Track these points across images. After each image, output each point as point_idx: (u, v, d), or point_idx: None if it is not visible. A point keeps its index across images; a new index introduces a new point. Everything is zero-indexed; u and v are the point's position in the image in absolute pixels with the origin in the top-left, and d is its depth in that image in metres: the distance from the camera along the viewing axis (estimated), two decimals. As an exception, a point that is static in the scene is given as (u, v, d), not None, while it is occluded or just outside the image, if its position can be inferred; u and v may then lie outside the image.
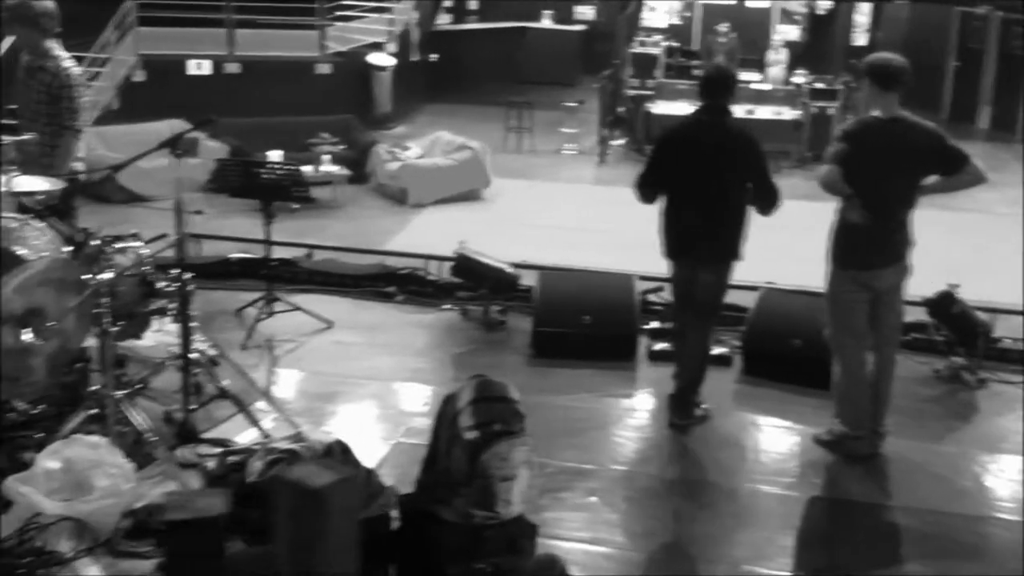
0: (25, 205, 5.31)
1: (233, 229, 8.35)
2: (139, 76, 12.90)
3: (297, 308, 6.84)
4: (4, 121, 7.65)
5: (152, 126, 11.21)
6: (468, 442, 3.91)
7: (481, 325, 6.98)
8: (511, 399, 4.12)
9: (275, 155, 10.20)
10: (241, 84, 13.17)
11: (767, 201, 5.36)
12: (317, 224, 9.52)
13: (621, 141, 13.60)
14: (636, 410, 5.93)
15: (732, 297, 5.92)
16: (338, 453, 4.33)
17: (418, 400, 5.87)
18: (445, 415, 4.11)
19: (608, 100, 13.63)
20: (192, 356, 4.95)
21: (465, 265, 7.15)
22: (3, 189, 5.11)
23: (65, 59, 5.94)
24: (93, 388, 4.80)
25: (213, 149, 10.70)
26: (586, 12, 18.84)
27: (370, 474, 4.43)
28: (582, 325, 6.42)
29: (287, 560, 3.64)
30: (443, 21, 17.89)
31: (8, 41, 11.94)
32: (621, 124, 13.78)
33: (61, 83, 5.83)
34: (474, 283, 7.18)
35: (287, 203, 7.39)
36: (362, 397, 5.90)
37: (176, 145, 4.86)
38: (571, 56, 17.97)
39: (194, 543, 3.71)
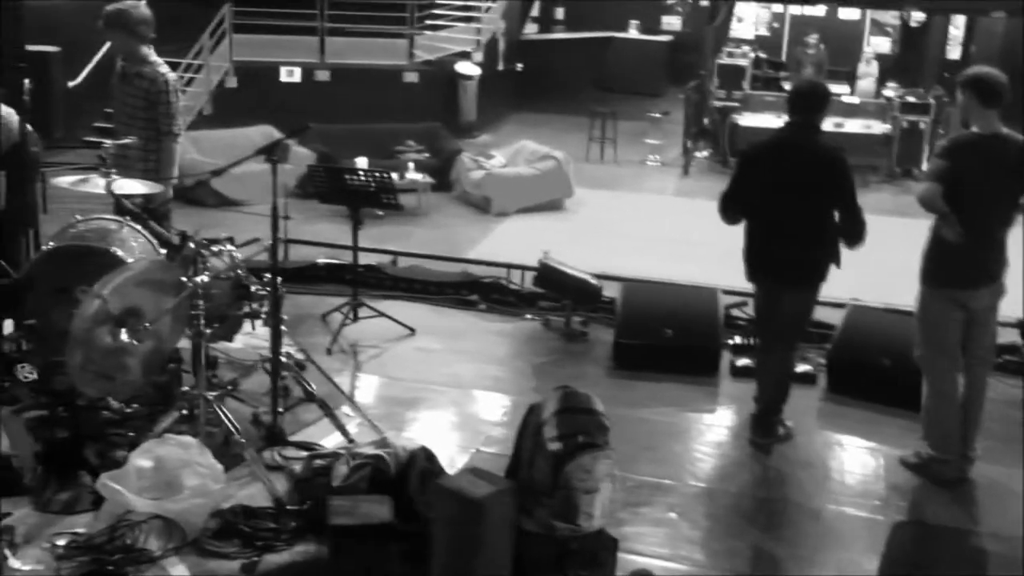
0: (123, 207, 5.46)
1: (318, 234, 8.49)
2: (232, 82, 13.20)
3: (381, 314, 6.91)
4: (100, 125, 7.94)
5: (243, 131, 11.49)
6: (552, 453, 3.91)
7: (562, 335, 6.98)
8: (596, 411, 4.11)
9: (361, 162, 10.36)
10: (330, 91, 13.40)
11: (853, 232, 5.22)
12: (401, 231, 9.62)
13: (705, 153, 13.52)
14: (717, 426, 5.88)
15: (817, 313, 5.83)
16: (422, 460, 4.37)
17: (498, 409, 5.89)
18: (529, 425, 4.12)
19: (693, 111, 13.56)
20: (281, 360, 5.03)
21: (548, 275, 7.16)
22: (103, 191, 5.25)
23: (161, 65, 6.09)
24: (185, 389, 4.91)
25: (302, 155, 10.89)
26: (673, 22, 18.77)
27: (452, 482, 4.47)
28: (664, 338, 6.38)
29: (445, 568, 3.67)
30: (530, 31, 17.97)
31: (106, 46, 12.34)
32: (706, 136, 13.70)
33: (158, 89, 5.97)
34: (557, 293, 7.19)
35: (374, 210, 7.47)
36: (442, 404, 5.93)
37: (273, 152, 4.95)
38: (657, 66, 17.92)
39: (361, 549, 3.75)
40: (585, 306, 7.10)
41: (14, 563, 3.91)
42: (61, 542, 4.02)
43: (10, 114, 6.28)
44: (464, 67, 14.32)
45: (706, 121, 13.76)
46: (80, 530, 4.10)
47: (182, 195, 8.87)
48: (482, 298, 7.53)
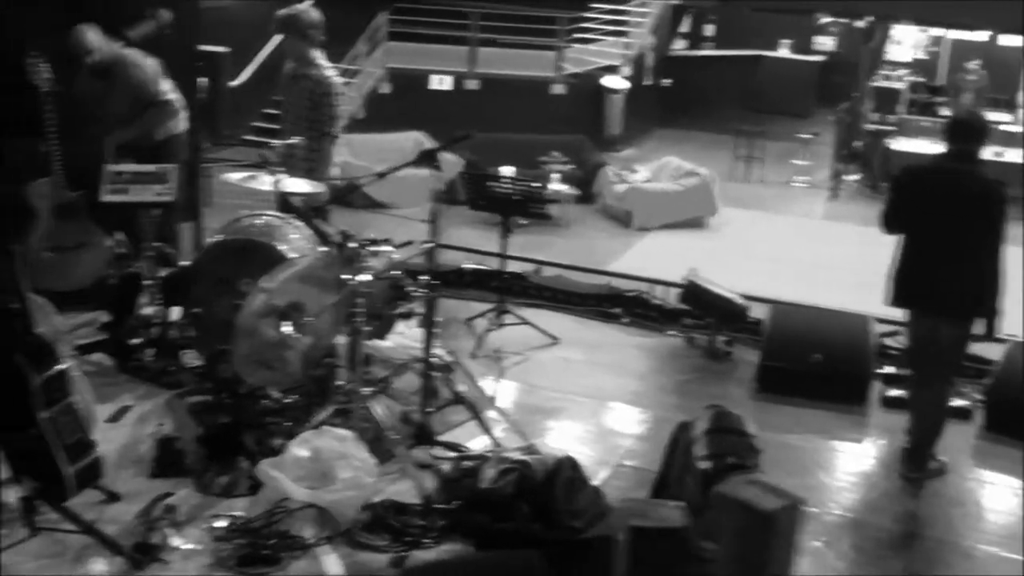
0: (288, 205, 5.65)
1: (461, 239, 8.61)
2: (385, 88, 13.52)
3: (525, 322, 6.97)
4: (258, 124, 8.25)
5: (394, 137, 11.75)
6: (701, 472, 3.89)
7: (706, 354, 6.92)
8: (747, 433, 4.08)
9: (507, 171, 10.47)
10: (479, 100, 13.59)
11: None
12: (543, 240, 9.68)
13: (856, 177, 13.21)
14: (866, 457, 5.73)
15: (975, 348, 5.64)
16: (568, 468, 4.39)
17: (638, 424, 5.87)
18: (679, 442, 4.11)
19: (845, 134, 13.28)
20: (432, 361, 5.12)
21: (694, 292, 7.12)
22: (270, 189, 5.44)
23: (328, 68, 6.27)
24: (340, 383, 5.05)
25: (450, 162, 11.07)
26: (826, 43, 18.41)
27: (597, 493, 4.48)
28: (812, 363, 6.26)
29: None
30: (678, 47, 17.88)
31: (268, 48, 12.79)
32: (857, 159, 13.40)
33: (324, 91, 6.16)
34: (702, 311, 7.14)
35: (518, 218, 7.54)
36: (582, 415, 5.94)
37: (434, 158, 5.05)
38: (807, 87, 17.62)
39: (659, 552, 3.69)
40: (730, 325, 7.03)
41: (175, 540, 4.08)
42: (220, 524, 4.17)
43: (150, 65, 6.55)
44: (611, 81, 14.34)
45: (857, 144, 13.45)
46: (238, 513, 4.25)
47: (334, 196, 9.13)
48: (625, 312, 7.52)
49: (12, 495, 4.03)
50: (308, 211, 5.48)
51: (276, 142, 5.79)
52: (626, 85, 14.38)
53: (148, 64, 6.44)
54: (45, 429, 3.80)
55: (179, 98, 6.54)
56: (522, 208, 7.13)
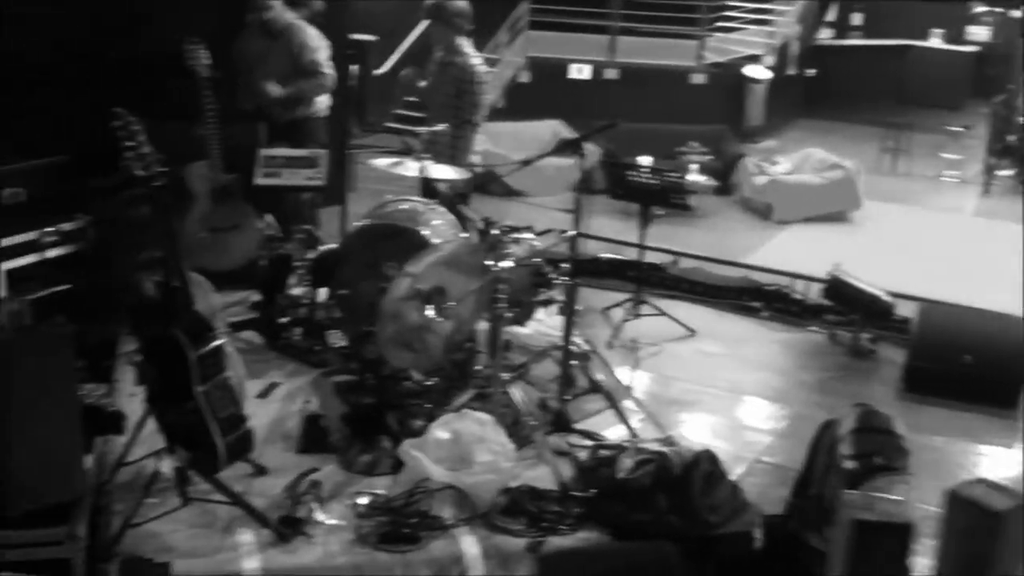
0: (432, 190, 5.73)
1: (597, 229, 8.55)
2: (524, 77, 13.55)
3: (663, 313, 6.93)
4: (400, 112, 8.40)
5: (533, 125, 11.77)
6: (846, 471, 3.81)
7: (849, 351, 6.76)
8: (895, 433, 3.97)
9: (645, 160, 10.39)
10: (618, 90, 13.50)
11: None
12: (680, 232, 9.56)
13: (1009, 172, 12.65)
14: (1015, 462, 5.51)
15: None
16: (706, 462, 4.36)
17: (777, 420, 5.77)
18: (824, 440, 4.03)
19: (999, 127, 12.72)
20: (571, 349, 5.14)
21: (838, 288, 6.95)
22: (416, 176, 5.54)
23: (474, 57, 6.34)
24: (479, 368, 5.11)
25: (588, 151, 11.04)
26: (980, 33, 17.68)
27: (735, 488, 4.43)
28: (963, 364, 6.05)
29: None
30: (824, 36, 17.41)
31: (412, 37, 12.99)
32: (1011, 154, 12.82)
33: (469, 79, 6.23)
34: (845, 307, 6.96)
35: (657, 208, 7.49)
36: (718, 409, 5.87)
37: (579, 147, 5.06)
38: (959, 78, 16.92)
39: (885, 546, 3.57)
40: (875, 323, 6.84)
41: (320, 516, 4.20)
42: (362, 501, 4.27)
43: (317, 36, 6.72)
44: (753, 70, 14.06)
45: (1011, 138, 12.87)
46: (380, 491, 4.35)
47: (476, 183, 9.24)
48: (765, 306, 7.40)
49: (167, 465, 4.21)
50: (452, 197, 5.55)
51: (421, 129, 5.88)
52: (769, 75, 14.07)
53: (315, 34, 6.65)
54: (200, 403, 3.95)
55: (333, 77, 6.71)
56: (663, 198, 7.08)
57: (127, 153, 3.82)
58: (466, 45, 6.36)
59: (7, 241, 4.80)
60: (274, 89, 6.44)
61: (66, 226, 5.07)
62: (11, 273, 4.61)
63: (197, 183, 6.05)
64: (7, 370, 3.57)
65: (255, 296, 6.13)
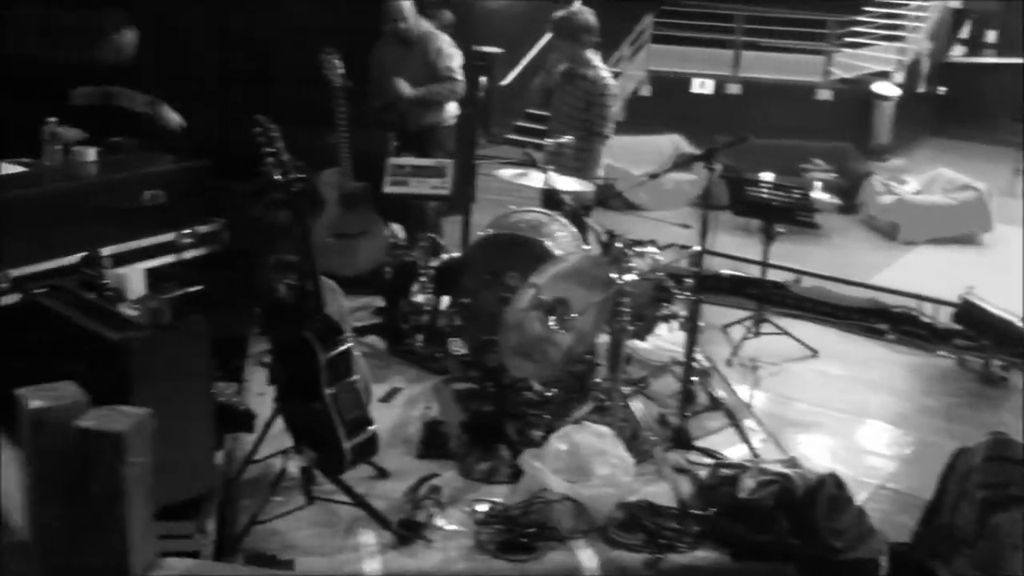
0: (556, 202, 5.75)
1: (716, 245, 8.45)
2: (646, 91, 13.52)
3: (784, 332, 6.81)
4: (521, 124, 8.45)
5: (652, 139, 11.74)
6: (979, 501, 3.69)
7: (979, 378, 6.54)
8: (1032, 464, 3.83)
9: (767, 177, 10.24)
10: (740, 105, 13.38)
11: None
12: (802, 250, 9.40)
13: None
14: None
15: None
16: (831, 486, 4.27)
17: (902, 446, 5.61)
18: (956, 468, 3.91)
19: None
20: (693, 365, 5.09)
21: (970, 312, 6.74)
22: (541, 186, 5.56)
23: (604, 70, 6.34)
24: (599, 381, 5.10)
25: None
26: (1123, 51, 16.95)
27: (861, 514, 4.33)
28: (1101, 396, 5.81)
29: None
30: (956, 53, 16.94)
31: (535, 50, 13.07)
32: None
33: (599, 91, 6.23)
34: (977, 332, 6.75)
35: (781, 226, 7.37)
36: (841, 432, 5.74)
37: (708, 160, 5.01)
38: (1099, 99, 16.28)
39: None
40: (1008, 349, 6.60)
41: (439, 521, 4.24)
42: (481, 508, 4.30)
43: (450, 43, 6.82)
44: (881, 87, 13.77)
45: None
46: (498, 500, 4.37)
47: (601, 196, 9.23)
48: (891, 328, 7.21)
49: (293, 464, 4.31)
50: (577, 210, 5.55)
51: (549, 141, 5.90)
52: (898, 92, 13.77)
53: (449, 42, 6.76)
54: (328, 404, 4.03)
55: (464, 85, 6.81)
56: (789, 215, 6.96)
57: (266, 158, 3.93)
58: (595, 58, 6.36)
59: (147, 241, 4.99)
60: (406, 88, 6.56)
61: (202, 228, 5.24)
62: (151, 272, 4.78)
63: (327, 189, 6.18)
64: (147, 366, 3.70)
65: (379, 302, 6.23)
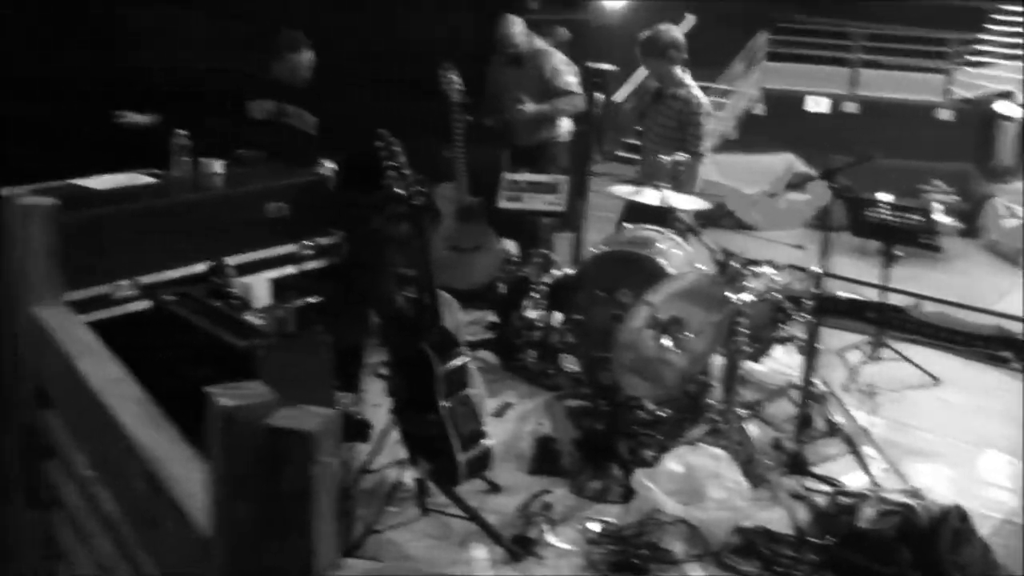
0: (668, 220, 5.70)
1: (832, 267, 8.29)
2: (758, 109, 13.35)
3: (904, 358, 6.63)
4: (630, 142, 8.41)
5: (765, 158, 11.57)
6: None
7: (1109, 411, 6.26)
8: None
9: (884, 198, 10.00)
10: (857, 124, 13.11)
11: None
12: (922, 274, 9.16)
13: None
14: None
15: None
16: (956, 519, 4.13)
17: (1029, 479, 5.41)
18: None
19: None
20: (810, 389, 4.99)
21: (1101, 343, 6.47)
22: (657, 204, 5.52)
23: (694, 88, 6.26)
24: (713, 402, 5.03)
25: (821, 187, 10.74)
26: None
27: (986, 548, 4.18)
28: None
29: None
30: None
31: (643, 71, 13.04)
32: None
33: (692, 110, 6.15)
34: (1108, 364, 6.47)
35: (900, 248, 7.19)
36: (962, 463, 5.54)
37: (831, 178, 4.91)
38: None
39: None
40: None
41: (551, 538, 4.23)
42: (593, 527, 4.27)
43: (563, 59, 6.83)
44: (1005, 107, 13.33)
45: None
46: (610, 519, 4.34)
47: (702, 214, 9.16)
48: (1017, 356, 6.95)
49: (408, 476, 4.35)
50: (692, 228, 5.50)
51: (665, 158, 5.86)
52: (1021, 113, 13.32)
53: (563, 59, 6.79)
54: (444, 417, 4.06)
55: (583, 98, 6.82)
56: (911, 238, 6.78)
57: (388, 172, 3.99)
58: (686, 76, 6.29)
59: (271, 252, 5.09)
60: (529, 106, 6.59)
61: (323, 240, 5.33)
62: (275, 282, 4.89)
63: (443, 203, 6.25)
64: (272, 373, 3.77)
65: (491, 316, 6.26)
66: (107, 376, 2.16)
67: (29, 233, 2.60)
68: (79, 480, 2.38)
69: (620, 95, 13.04)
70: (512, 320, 5.99)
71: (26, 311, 2.60)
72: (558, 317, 5.92)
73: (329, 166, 5.46)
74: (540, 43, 6.86)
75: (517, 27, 6.65)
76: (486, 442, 4.23)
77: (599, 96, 6.53)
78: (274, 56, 5.79)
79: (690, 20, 13.95)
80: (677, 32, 6.33)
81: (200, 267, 4.70)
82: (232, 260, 4.82)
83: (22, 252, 2.61)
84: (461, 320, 4.61)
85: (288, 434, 1.46)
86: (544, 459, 4.81)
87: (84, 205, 4.51)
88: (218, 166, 5.24)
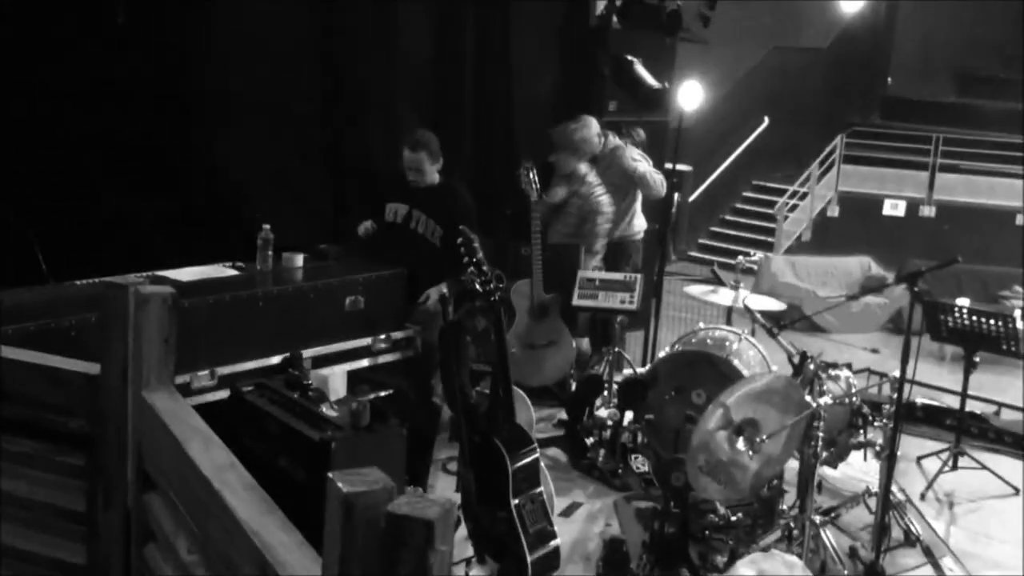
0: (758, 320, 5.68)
1: (909, 372, 8.15)
2: (834, 211, 13.33)
3: (984, 467, 6.46)
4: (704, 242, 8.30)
5: (841, 260, 11.49)
6: None
7: None
8: None
9: (962, 302, 9.84)
10: (934, 228, 13.02)
11: None
12: (1002, 380, 8.95)
13: None
14: None
15: None
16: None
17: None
18: None
19: None
20: (888, 497, 4.87)
21: None
22: (733, 304, 5.51)
23: (596, 186, 6.34)
24: (787, 507, 4.93)
25: (896, 291, 10.63)
26: None
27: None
28: None
29: None
30: None
31: (723, 166, 13.08)
32: None
33: (590, 207, 6.25)
34: None
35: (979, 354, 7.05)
36: (1051, 578, 5.36)
37: (914, 282, 4.86)
38: None
39: None
40: None
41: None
42: (662, 631, 4.20)
43: (637, 153, 6.94)
44: (1087, 214, 13.15)
45: None
46: (679, 624, 4.26)
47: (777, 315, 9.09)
48: (1104, 468, 6.74)
49: (475, 572, 4.31)
50: (771, 329, 5.47)
51: (743, 259, 5.86)
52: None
53: (638, 152, 6.94)
54: (514, 514, 4.04)
55: (663, 182, 6.90)
56: (995, 344, 6.65)
57: (468, 267, 4.05)
58: (590, 174, 6.36)
59: (347, 345, 5.18)
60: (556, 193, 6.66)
61: (397, 334, 5.40)
62: (350, 374, 4.95)
63: (518, 299, 6.30)
64: (347, 466, 3.80)
65: (562, 414, 6.25)
66: (217, 462, 2.21)
67: (146, 319, 2.67)
68: (179, 564, 2.41)
69: (697, 194, 13.14)
70: (583, 418, 5.97)
71: (137, 394, 2.66)
72: (629, 416, 5.88)
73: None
74: (615, 140, 6.97)
75: (594, 128, 6.77)
76: (554, 542, 4.18)
77: (676, 196, 6.59)
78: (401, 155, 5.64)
79: (765, 122, 14.07)
80: (590, 131, 6.40)
81: (277, 359, 4.79)
82: (309, 352, 4.91)
83: (137, 336, 2.68)
84: (532, 417, 4.62)
85: (409, 521, 1.48)
86: (612, 561, 4.74)
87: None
88: (299, 259, 5.37)
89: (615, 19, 7.68)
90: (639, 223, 7.05)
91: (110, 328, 2.72)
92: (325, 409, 3.96)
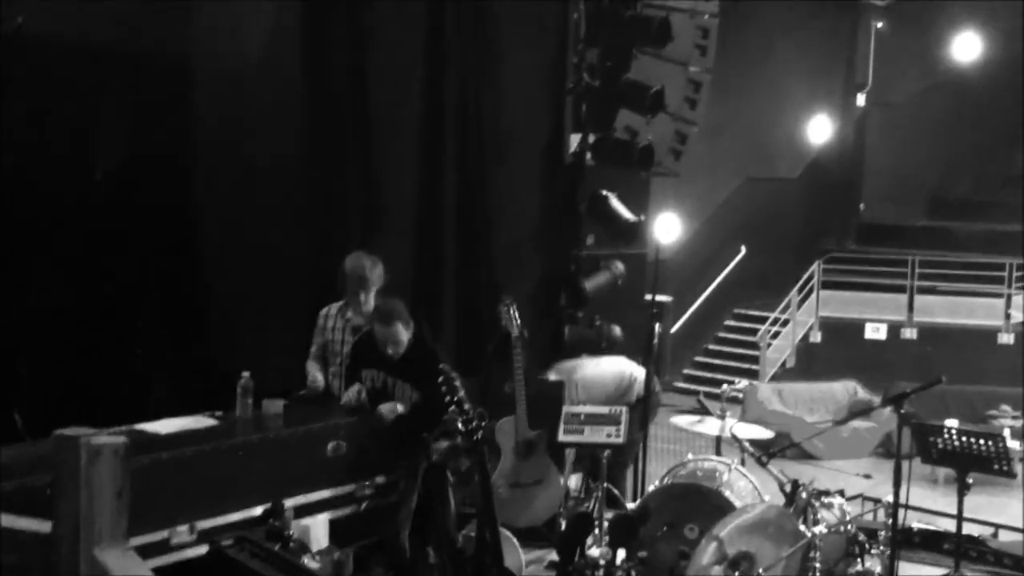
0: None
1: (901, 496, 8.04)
2: (816, 336, 13.39)
3: (988, 592, 6.31)
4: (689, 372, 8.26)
5: (827, 386, 11.49)
6: None
7: None
8: None
9: (951, 423, 9.80)
10: (916, 349, 13.08)
11: None
12: (996, 501, 8.86)
13: None
14: None
15: None
16: None
17: None
18: None
19: None
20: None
21: None
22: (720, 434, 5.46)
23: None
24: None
25: (884, 414, 10.58)
26: None
27: None
28: None
29: None
30: None
31: (702, 297, 13.17)
32: None
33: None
34: None
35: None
36: None
37: (900, 404, 4.84)
38: None
39: None
40: None
41: None
42: None
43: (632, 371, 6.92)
44: (1068, 330, 13.25)
45: None
46: None
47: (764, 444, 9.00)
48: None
49: None
50: (760, 458, 5.41)
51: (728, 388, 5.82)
52: (1086, 334, 13.21)
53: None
54: (506, 661, 3.89)
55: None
56: (986, 464, 6.56)
57: (450, 408, 4.00)
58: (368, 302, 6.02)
59: (329, 492, 5.06)
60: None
61: (380, 479, 5.30)
62: (333, 523, 4.82)
63: (503, 438, 6.20)
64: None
65: (552, 555, 6.08)
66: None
67: (97, 473, 2.59)
68: None
69: (678, 325, 13.15)
70: (574, 559, 5.80)
71: (89, 553, 2.57)
72: (622, 555, 5.73)
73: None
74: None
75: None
76: None
77: (657, 327, 6.58)
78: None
79: (742, 251, 14.25)
80: (356, 261, 6.00)
81: (259, 509, 4.67)
82: (290, 501, 4.79)
83: (89, 492, 2.60)
84: (522, 560, 4.51)
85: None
86: None
87: (144, 450, 4.52)
88: (278, 406, 5.30)
89: (588, 156, 7.80)
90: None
91: (63, 484, 2.64)
92: (307, 560, 3.84)
